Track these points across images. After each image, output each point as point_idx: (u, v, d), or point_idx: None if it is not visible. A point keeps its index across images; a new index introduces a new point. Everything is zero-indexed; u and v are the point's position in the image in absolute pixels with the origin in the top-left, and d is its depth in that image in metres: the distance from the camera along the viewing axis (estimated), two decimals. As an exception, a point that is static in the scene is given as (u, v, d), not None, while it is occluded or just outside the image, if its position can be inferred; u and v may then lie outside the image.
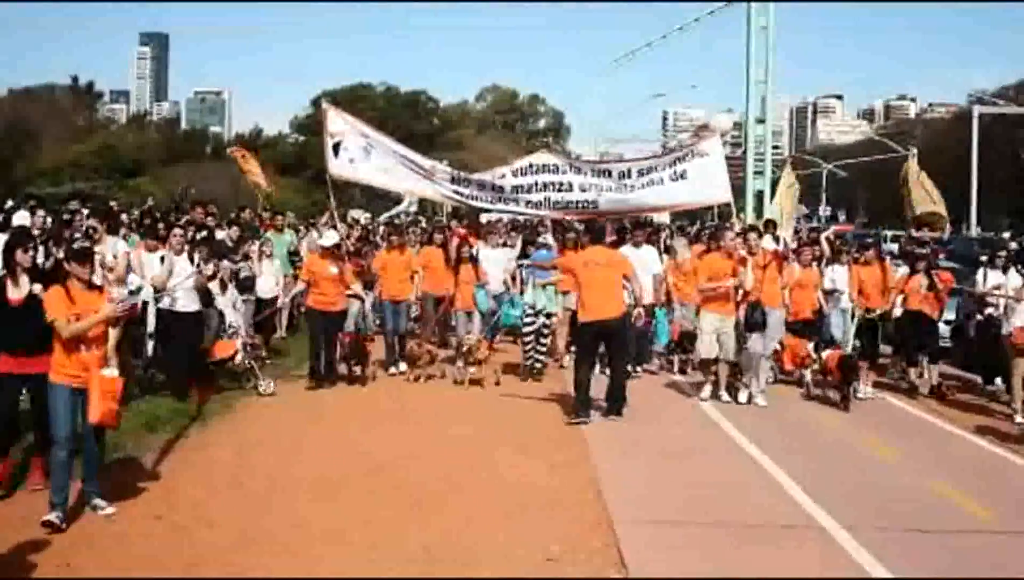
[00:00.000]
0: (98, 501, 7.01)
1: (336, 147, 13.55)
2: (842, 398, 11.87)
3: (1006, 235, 39.72)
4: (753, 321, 11.84)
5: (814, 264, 13.71)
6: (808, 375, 12.45)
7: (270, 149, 79.10)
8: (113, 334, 7.06)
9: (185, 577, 6.07)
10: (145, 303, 11.20)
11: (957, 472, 8.99)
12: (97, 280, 7.63)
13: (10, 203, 18.39)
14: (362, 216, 24.01)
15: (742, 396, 11.92)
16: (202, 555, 6.37)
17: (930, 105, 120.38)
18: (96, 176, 57.50)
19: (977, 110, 53.11)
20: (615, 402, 10.94)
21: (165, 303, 11.16)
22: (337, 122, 13.91)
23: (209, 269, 11.70)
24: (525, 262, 14.69)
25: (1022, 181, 59.64)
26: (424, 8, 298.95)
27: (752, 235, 12.57)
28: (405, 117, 75.27)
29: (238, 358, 12.14)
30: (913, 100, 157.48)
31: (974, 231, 47.67)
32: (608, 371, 11.40)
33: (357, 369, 12.92)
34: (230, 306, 12.74)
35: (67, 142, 63.54)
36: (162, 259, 11.24)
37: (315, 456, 9.03)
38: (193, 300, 11.22)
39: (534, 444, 9.66)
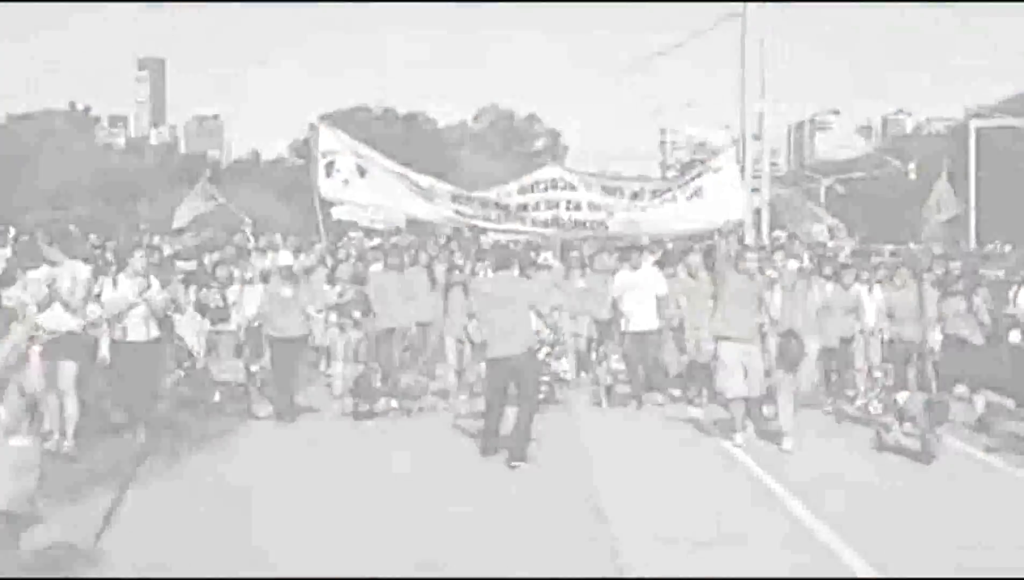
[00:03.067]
0: None
1: (329, 167, 13.23)
2: (923, 446, 9.55)
3: (1008, 249, 39.59)
4: (791, 355, 10.08)
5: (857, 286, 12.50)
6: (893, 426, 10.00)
7: (269, 172, 79.33)
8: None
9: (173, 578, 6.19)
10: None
11: (957, 486, 8.91)
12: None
13: (12, 232, 18.05)
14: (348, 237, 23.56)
15: (787, 443, 10.07)
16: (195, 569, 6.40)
17: (927, 119, 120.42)
18: (96, 201, 57.57)
19: (974, 124, 53.01)
20: (518, 444, 9.56)
21: (117, 333, 10.33)
22: (330, 140, 13.54)
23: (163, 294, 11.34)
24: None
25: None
26: (422, 31, 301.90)
27: (778, 255, 11.50)
28: (403, 139, 75.24)
29: (239, 379, 12.06)
30: (909, 115, 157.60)
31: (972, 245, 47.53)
32: (518, 410, 9.82)
33: (365, 406, 11.81)
34: (192, 332, 12.42)
35: (65, 167, 63.50)
36: (114, 282, 10.37)
37: (312, 472, 9.08)
38: (151, 328, 10.47)
39: (535, 460, 9.60)
